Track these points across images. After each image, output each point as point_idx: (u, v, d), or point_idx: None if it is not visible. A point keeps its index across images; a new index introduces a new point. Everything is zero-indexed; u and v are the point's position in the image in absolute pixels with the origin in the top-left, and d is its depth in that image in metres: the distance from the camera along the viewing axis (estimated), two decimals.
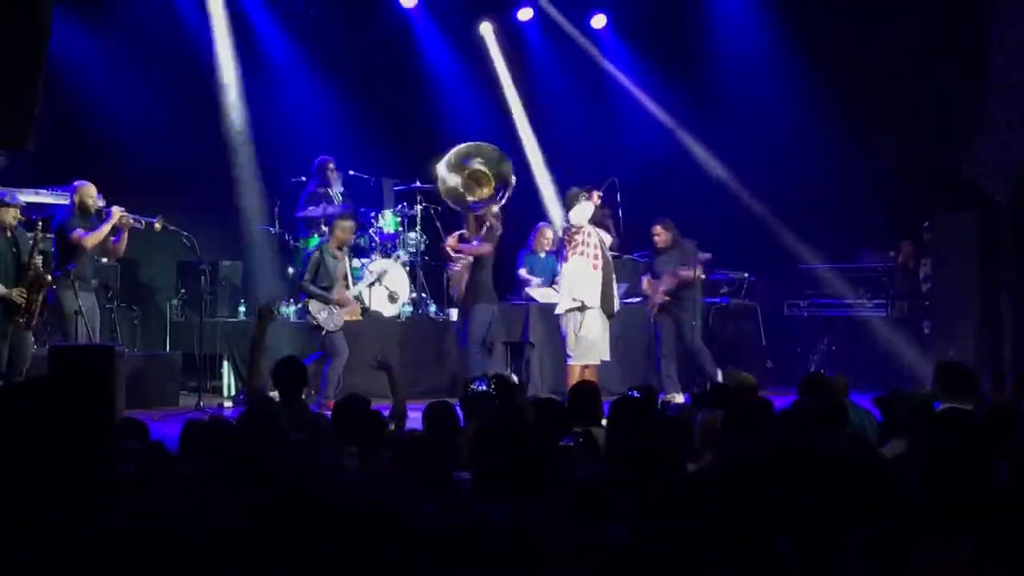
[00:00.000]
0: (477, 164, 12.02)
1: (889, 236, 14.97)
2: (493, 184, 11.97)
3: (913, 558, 3.94)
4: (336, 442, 6.17)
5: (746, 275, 14.86)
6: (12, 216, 10.39)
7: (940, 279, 13.92)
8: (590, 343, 11.34)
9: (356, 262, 13.61)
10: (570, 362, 11.37)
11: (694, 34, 16.05)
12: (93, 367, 9.47)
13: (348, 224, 12.39)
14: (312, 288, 11.93)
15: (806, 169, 15.08)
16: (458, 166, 11.99)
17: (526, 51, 16.81)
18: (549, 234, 13.85)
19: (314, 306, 11.90)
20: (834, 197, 14.98)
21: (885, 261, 14.84)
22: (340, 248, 12.24)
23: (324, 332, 11.84)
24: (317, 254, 12.10)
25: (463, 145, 12.21)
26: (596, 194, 11.47)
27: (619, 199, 11.87)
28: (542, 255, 13.76)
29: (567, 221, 11.50)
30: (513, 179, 12.08)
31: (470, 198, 11.96)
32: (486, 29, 16.47)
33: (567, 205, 11.64)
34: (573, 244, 11.35)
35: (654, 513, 4.21)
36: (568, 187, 11.88)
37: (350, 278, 12.39)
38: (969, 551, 3.87)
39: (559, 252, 11.72)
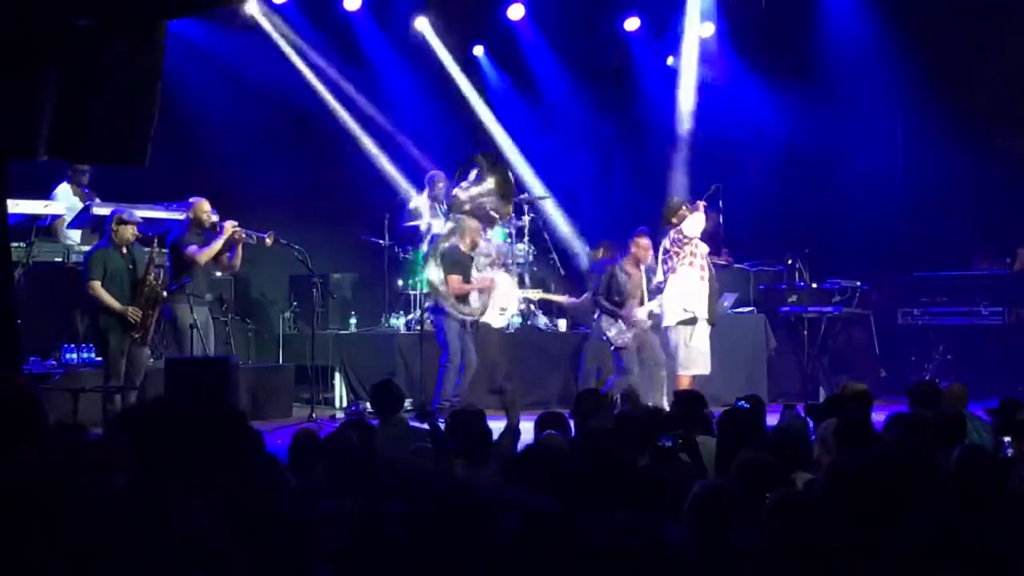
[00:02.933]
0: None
1: (1005, 243, 14.67)
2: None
3: None
4: (439, 456, 6.18)
5: (858, 283, 14.65)
6: (130, 233, 10.58)
7: None
8: (699, 353, 11.30)
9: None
10: (680, 372, 11.31)
11: (804, 34, 15.86)
12: (209, 379, 9.63)
13: (644, 242, 12.03)
14: (604, 303, 11.88)
15: (919, 175, 14.86)
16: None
17: (632, 61, 16.76)
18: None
19: (605, 322, 11.93)
20: (948, 203, 14.73)
21: (1001, 268, 14.55)
22: (636, 265, 11.99)
23: (613, 348, 11.87)
24: (610, 269, 12.11)
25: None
26: (700, 204, 11.41)
27: (721, 206, 11.80)
28: None
29: (678, 232, 11.38)
30: None
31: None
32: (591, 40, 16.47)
33: (666, 215, 11.56)
34: (682, 256, 11.29)
35: (773, 524, 4.18)
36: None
37: (645, 295, 12.20)
38: None
39: (664, 262, 11.60)
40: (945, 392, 7.88)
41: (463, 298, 11.56)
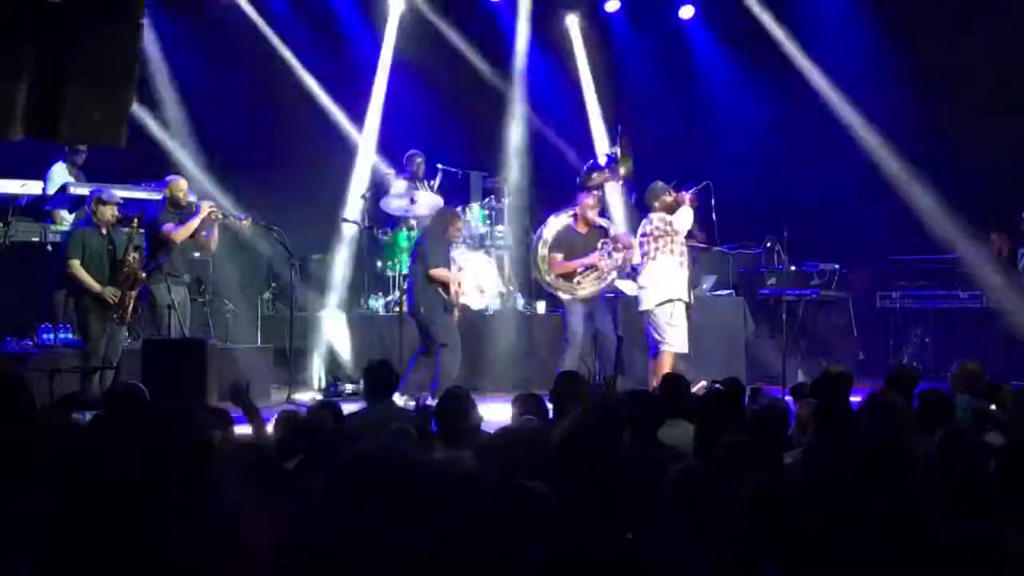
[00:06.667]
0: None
1: (982, 228, 14.67)
2: None
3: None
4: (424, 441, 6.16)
5: (836, 266, 14.68)
6: (110, 214, 10.55)
7: None
8: (681, 331, 11.33)
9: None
10: (664, 348, 11.31)
11: (783, 21, 15.82)
12: (186, 360, 9.60)
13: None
14: None
15: (899, 158, 14.88)
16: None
17: (613, 44, 16.69)
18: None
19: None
20: (928, 186, 14.74)
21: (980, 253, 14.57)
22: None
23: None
24: None
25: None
26: (687, 195, 11.40)
27: (713, 203, 11.81)
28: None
29: (664, 221, 11.34)
30: None
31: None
32: (572, 22, 16.41)
33: (650, 199, 11.53)
34: (663, 244, 11.28)
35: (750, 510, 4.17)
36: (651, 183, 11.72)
37: None
38: None
39: (641, 245, 11.55)
40: (961, 368, 7.89)
41: (568, 276, 11.96)
